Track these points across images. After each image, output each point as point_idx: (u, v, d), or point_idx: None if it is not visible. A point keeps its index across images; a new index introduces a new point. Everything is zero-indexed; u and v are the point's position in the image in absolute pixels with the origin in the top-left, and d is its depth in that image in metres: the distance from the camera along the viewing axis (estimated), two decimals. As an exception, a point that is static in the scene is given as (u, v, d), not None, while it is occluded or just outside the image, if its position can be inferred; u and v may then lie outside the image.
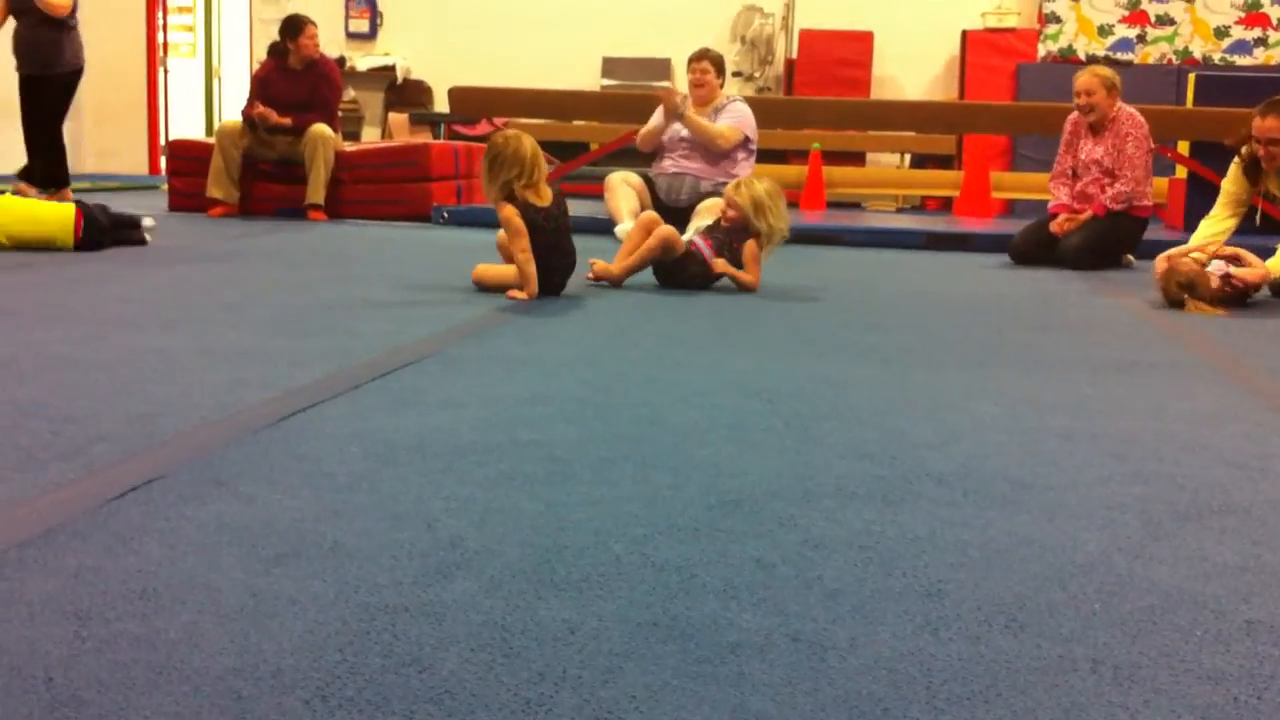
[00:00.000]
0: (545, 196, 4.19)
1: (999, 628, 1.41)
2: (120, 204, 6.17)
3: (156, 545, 1.59)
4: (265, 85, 7.94)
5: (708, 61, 6.68)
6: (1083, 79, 6.32)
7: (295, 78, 7.91)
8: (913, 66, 12.13)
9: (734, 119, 6.60)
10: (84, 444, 2.09)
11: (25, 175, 7.77)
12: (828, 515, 1.82)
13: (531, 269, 4.12)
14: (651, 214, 4.94)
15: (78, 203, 5.46)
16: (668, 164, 6.73)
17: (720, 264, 4.65)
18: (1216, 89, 8.27)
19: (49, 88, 7.54)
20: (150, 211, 6.24)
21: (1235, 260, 4.75)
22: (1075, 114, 6.41)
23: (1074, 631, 1.40)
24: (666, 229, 4.66)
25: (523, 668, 1.26)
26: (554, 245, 4.21)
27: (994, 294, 5.05)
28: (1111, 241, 6.28)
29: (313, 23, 8.00)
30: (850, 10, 11.91)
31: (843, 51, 11.78)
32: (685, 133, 6.67)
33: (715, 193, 6.14)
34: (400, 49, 12.87)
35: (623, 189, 6.58)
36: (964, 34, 11.72)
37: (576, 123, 10.93)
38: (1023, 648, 1.35)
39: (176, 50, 13.77)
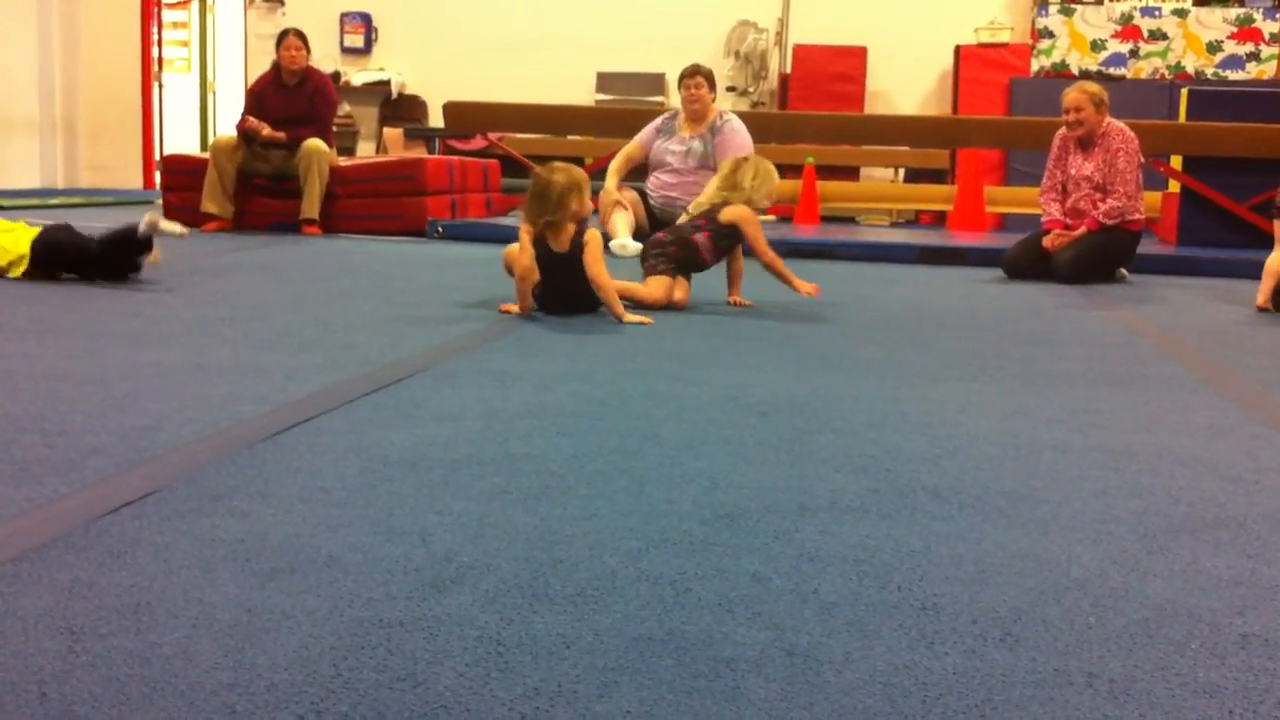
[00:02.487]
0: (560, 241, 4.12)
1: (994, 641, 1.41)
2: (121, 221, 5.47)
3: (151, 560, 1.59)
4: (259, 99, 7.95)
5: (700, 77, 6.69)
6: (1071, 95, 6.35)
7: (289, 92, 7.92)
8: (906, 81, 12.17)
9: (734, 140, 6.59)
10: (78, 458, 2.08)
11: None
12: (822, 529, 1.82)
13: (524, 286, 4.12)
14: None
15: (50, 231, 4.86)
16: (662, 180, 6.75)
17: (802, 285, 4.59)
18: (1209, 104, 8.31)
19: None
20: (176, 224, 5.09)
21: None
22: (1064, 130, 6.44)
23: (1069, 645, 1.41)
24: (684, 296, 4.57)
25: (518, 682, 1.26)
26: (555, 285, 4.17)
27: (988, 308, 5.06)
28: (1105, 255, 6.30)
29: (294, 34, 7.96)
30: (844, 25, 11.95)
31: (836, 66, 11.81)
32: (674, 159, 6.69)
33: None
34: (395, 64, 12.90)
35: (617, 204, 6.59)
36: (957, 49, 11.75)
37: (571, 137, 10.96)
38: (1018, 661, 1.35)
39: (171, 65, 13.80)
